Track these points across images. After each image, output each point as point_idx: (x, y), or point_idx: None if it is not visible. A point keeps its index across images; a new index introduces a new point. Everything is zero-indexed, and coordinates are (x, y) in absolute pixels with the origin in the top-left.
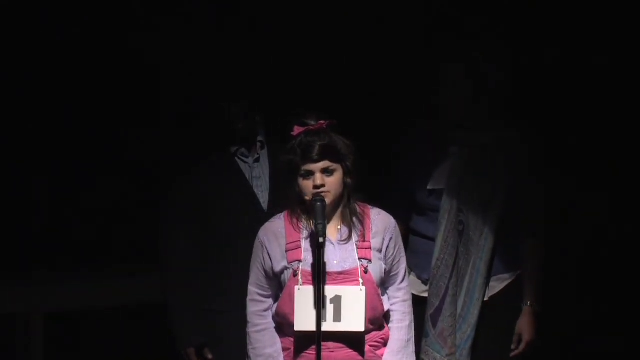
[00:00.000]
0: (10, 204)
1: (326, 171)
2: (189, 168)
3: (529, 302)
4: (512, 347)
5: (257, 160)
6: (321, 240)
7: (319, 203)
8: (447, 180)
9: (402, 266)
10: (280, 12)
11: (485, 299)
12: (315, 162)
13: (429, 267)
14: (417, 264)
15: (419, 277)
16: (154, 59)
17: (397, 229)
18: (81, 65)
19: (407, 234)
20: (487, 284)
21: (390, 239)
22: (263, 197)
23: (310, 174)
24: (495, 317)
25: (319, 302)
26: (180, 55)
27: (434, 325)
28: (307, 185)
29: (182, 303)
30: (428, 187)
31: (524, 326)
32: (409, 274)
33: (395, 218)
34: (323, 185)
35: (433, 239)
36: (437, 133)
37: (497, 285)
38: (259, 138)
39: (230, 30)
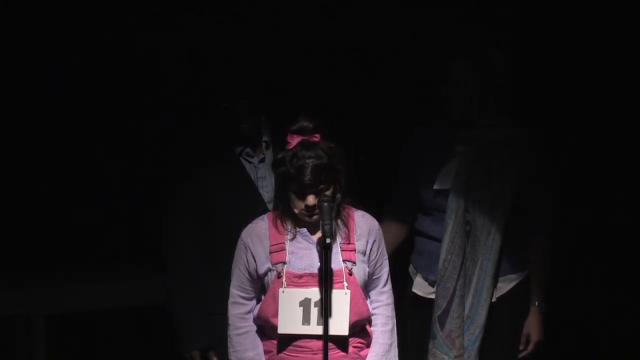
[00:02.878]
0: (13, 205)
1: (318, 192)
2: (193, 169)
3: (536, 302)
4: (520, 347)
5: (262, 161)
6: (328, 241)
7: (325, 204)
8: (453, 180)
9: (385, 269)
10: (284, 11)
11: (493, 299)
12: (308, 187)
13: (435, 268)
14: (424, 265)
15: (425, 279)
16: (157, 59)
17: (381, 231)
18: (83, 66)
19: (412, 235)
20: (495, 284)
21: (374, 241)
22: (268, 198)
23: (302, 193)
24: (503, 317)
25: (326, 305)
26: (184, 54)
27: (442, 326)
28: (297, 202)
29: (187, 305)
30: (434, 187)
31: (532, 326)
32: (415, 275)
33: (400, 218)
34: (314, 207)
35: (439, 240)
36: (444, 132)
37: (505, 285)
38: (264, 138)
39: (233, 30)
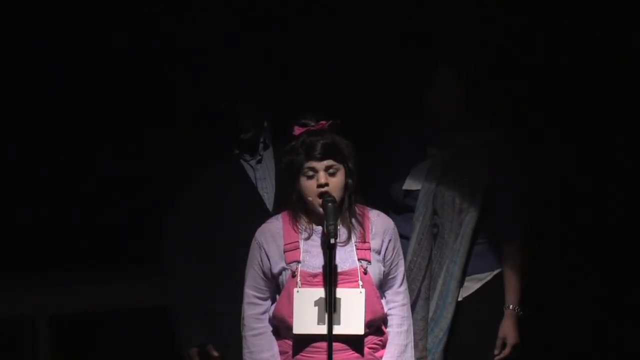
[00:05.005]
0: (17, 206)
1: (329, 170)
2: (193, 169)
3: (511, 306)
4: (496, 352)
5: (259, 162)
6: (332, 241)
7: (330, 204)
8: (423, 182)
9: (400, 269)
10: (285, 13)
11: (460, 299)
12: (318, 160)
13: None
14: None
15: None
16: (162, 60)
17: (396, 231)
18: (85, 66)
19: None
20: (460, 287)
21: (390, 240)
22: (268, 199)
23: (313, 171)
24: (470, 316)
25: (330, 305)
26: (189, 57)
27: None
28: (309, 185)
29: (183, 304)
30: (403, 188)
31: (507, 329)
32: None
33: None
34: (327, 184)
35: (408, 238)
36: (419, 133)
37: (473, 285)
38: (262, 139)
39: (235, 31)
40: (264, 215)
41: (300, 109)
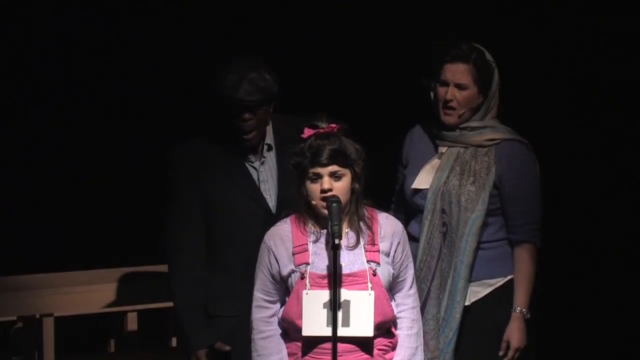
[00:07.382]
0: (19, 206)
1: (334, 175)
2: (196, 170)
3: (518, 308)
4: (500, 353)
5: (262, 164)
6: (337, 241)
7: (334, 204)
8: (432, 180)
9: (410, 272)
10: (288, 13)
11: (468, 303)
12: (323, 166)
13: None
14: None
15: None
16: (163, 61)
17: (405, 234)
18: (91, 66)
19: None
20: (468, 285)
21: (398, 243)
22: (271, 201)
23: (318, 177)
24: (478, 322)
25: (335, 305)
26: (192, 59)
27: None
28: (314, 189)
29: (188, 306)
30: (412, 187)
31: (512, 332)
32: None
33: (400, 219)
34: (330, 190)
35: (418, 240)
36: (431, 132)
37: (482, 290)
38: (267, 141)
39: (238, 34)
40: (267, 217)
41: (303, 110)
